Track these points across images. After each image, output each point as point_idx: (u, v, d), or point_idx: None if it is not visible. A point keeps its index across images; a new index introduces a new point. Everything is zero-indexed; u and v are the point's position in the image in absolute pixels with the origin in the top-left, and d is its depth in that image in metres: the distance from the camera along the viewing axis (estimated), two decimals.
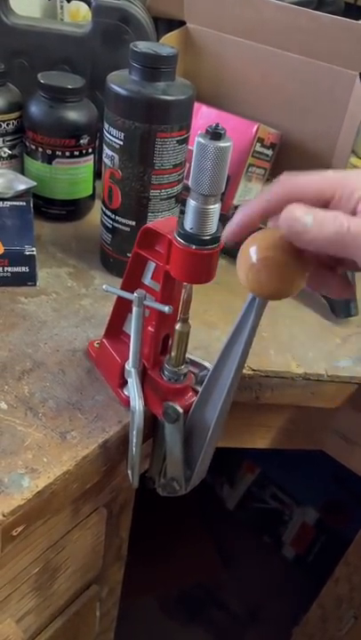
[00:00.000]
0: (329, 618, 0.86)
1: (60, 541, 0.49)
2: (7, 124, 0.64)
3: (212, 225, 0.35)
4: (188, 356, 0.44)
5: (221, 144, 0.32)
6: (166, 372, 0.42)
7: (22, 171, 0.67)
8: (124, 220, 0.57)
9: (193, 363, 0.44)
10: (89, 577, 0.58)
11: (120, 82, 0.51)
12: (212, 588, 1.28)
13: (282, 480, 1.41)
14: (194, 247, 0.35)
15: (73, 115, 0.63)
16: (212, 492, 1.45)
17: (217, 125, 0.32)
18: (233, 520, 1.40)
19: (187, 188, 0.34)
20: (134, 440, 0.43)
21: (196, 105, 0.65)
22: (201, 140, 0.32)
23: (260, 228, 0.31)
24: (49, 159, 0.64)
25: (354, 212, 0.29)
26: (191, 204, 0.34)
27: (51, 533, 0.47)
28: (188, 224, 0.35)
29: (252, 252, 0.29)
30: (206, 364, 0.44)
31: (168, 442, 0.43)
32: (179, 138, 0.53)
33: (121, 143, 0.53)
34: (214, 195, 0.33)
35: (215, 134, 0.32)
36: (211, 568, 1.31)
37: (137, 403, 0.42)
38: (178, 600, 1.24)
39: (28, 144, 0.65)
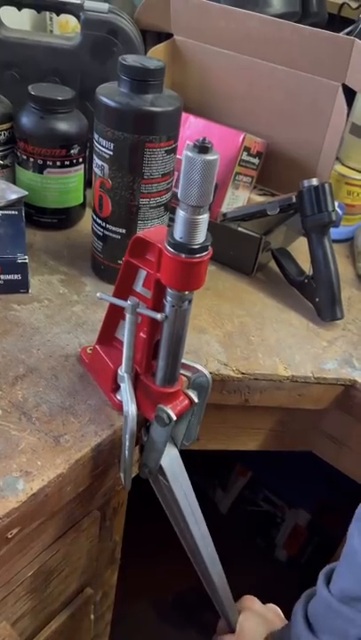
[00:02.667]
0: None
1: (54, 544, 0.50)
2: None
3: (201, 234, 0.36)
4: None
5: (209, 157, 0.33)
6: (169, 298, 0.39)
7: (14, 180, 0.69)
8: (114, 228, 0.58)
9: (185, 366, 0.45)
10: (83, 580, 0.59)
11: (109, 94, 0.53)
12: (206, 591, 1.28)
13: (274, 483, 1.42)
14: (183, 256, 0.36)
15: (63, 125, 0.64)
16: (205, 496, 1.45)
17: (204, 139, 0.33)
18: (226, 523, 1.41)
19: (176, 197, 0.35)
20: (127, 443, 0.44)
21: (184, 115, 0.66)
22: (189, 154, 0.33)
23: None
24: (40, 169, 0.65)
25: None
26: (180, 214, 0.35)
27: (45, 536, 0.48)
28: (178, 234, 0.36)
29: None
30: (198, 366, 0.45)
31: (155, 440, 0.45)
32: (167, 148, 0.54)
33: (111, 153, 0.54)
34: (203, 206, 0.35)
35: (203, 148, 0.33)
36: None
37: (130, 407, 0.43)
38: (172, 604, 1.25)
39: (19, 154, 0.66)
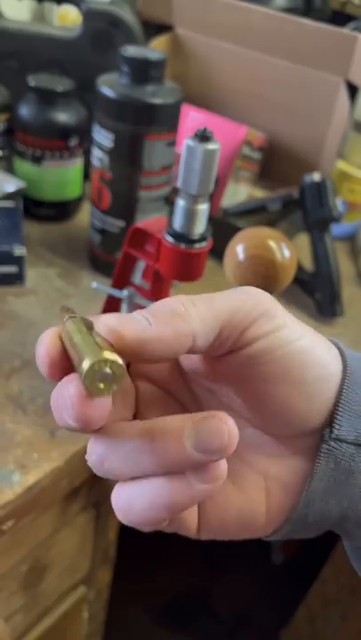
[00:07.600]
0: (316, 618, 0.86)
1: (48, 540, 0.49)
2: None
3: (201, 224, 0.36)
4: None
5: (209, 146, 0.32)
6: None
7: (12, 172, 0.68)
8: (113, 221, 0.57)
9: None
10: (77, 577, 0.58)
11: (110, 85, 0.52)
12: (200, 594, 1.28)
13: None
14: (183, 246, 0.36)
15: (62, 116, 0.63)
16: None
17: (205, 129, 0.32)
18: None
19: (175, 190, 0.35)
20: None
21: (185, 108, 0.66)
22: (190, 143, 0.32)
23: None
24: (38, 160, 0.64)
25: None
26: (180, 204, 0.35)
27: (39, 531, 0.47)
28: (178, 224, 0.35)
29: (239, 250, 0.30)
30: None
31: None
32: (167, 140, 0.53)
33: (111, 145, 0.53)
34: (203, 195, 0.34)
35: (203, 137, 0.32)
36: (199, 575, 1.31)
37: None
38: (167, 607, 1.24)
39: (17, 145, 0.65)
